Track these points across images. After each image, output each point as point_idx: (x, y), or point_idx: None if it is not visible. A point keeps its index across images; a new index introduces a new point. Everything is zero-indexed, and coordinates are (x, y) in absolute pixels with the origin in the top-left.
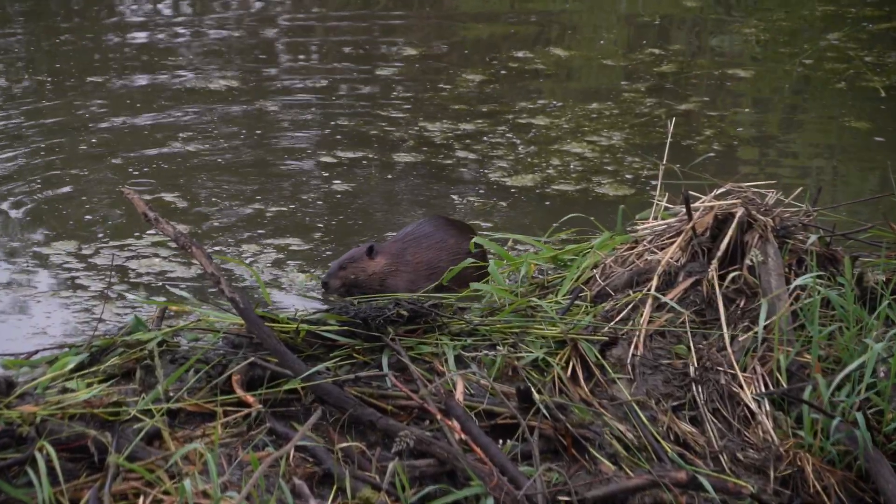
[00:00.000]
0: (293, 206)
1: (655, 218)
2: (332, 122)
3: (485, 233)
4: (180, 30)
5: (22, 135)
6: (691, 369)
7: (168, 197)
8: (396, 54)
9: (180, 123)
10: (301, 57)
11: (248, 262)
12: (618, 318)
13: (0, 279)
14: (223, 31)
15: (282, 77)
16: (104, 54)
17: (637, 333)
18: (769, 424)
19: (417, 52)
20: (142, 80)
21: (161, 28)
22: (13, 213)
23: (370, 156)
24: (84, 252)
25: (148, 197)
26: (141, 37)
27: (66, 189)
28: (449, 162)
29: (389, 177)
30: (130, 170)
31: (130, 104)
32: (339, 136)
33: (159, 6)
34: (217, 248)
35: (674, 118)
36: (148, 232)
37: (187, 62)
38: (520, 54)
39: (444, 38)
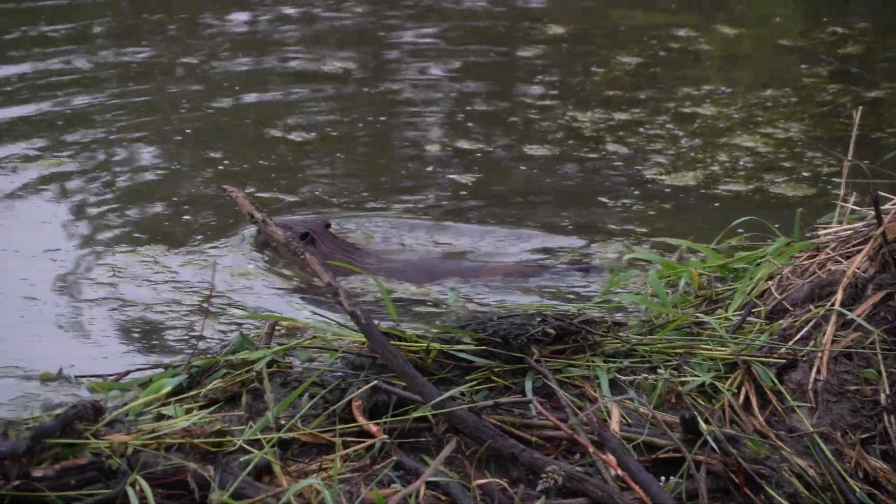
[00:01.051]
0: (419, 205)
1: (839, 222)
2: (467, 108)
3: (644, 239)
4: (288, 6)
5: (106, 123)
6: (882, 397)
7: (272, 194)
8: (541, 33)
9: (287, 110)
10: (429, 34)
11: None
12: (797, 338)
13: (83, 290)
14: (337, 5)
15: (406, 58)
16: (200, 32)
17: (819, 355)
18: None
19: (565, 31)
20: (243, 61)
21: (266, 4)
22: (96, 214)
23: (506, 147)
24: (180, 258)
25: (250, 191)
26: (243, 14)
27: (156, 186)
28: (595, 156)
29: (526, 170)
30: (228, 162)
31: (229, 88)
32: (471, 125)
33: None
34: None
35: (860, 107)
36: (253, 234)
37: (297, 41)
38: (682, 33)
39: (596, 15)
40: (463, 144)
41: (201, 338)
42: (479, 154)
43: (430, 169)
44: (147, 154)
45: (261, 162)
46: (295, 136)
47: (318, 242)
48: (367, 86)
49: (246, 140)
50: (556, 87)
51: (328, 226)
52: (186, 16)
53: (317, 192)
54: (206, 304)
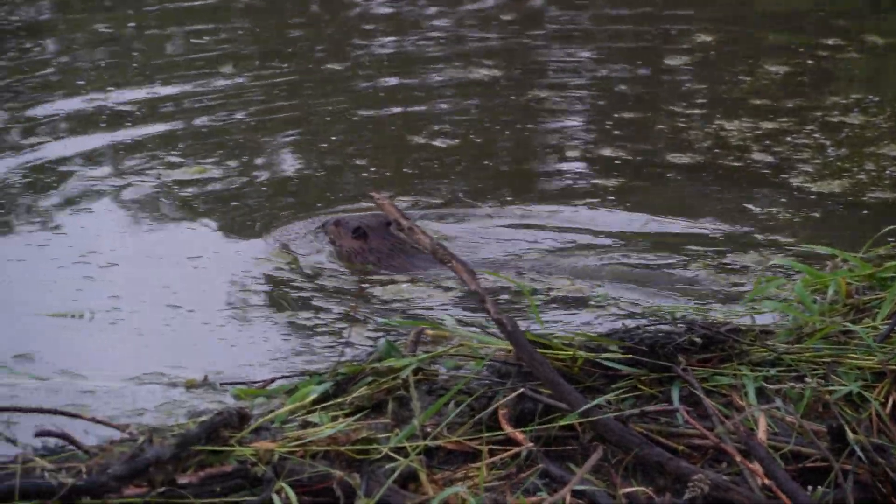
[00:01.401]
0: (570, 211)
1: None
2: (614, 115)
3: (790, 247)
4: (431, 10)
5: (248, 115)
6: None
7: (413, 198)
8: (688, 41)
9: (432, 116)
10: (575, 41)
11: (515, 277)
12: None
13: (227, 297)
14: (481, 12)
15: (551, 65)
16: (344, 34)
17: None
18: None
19: (712, 39)
20: (387, 47)
21: (409, 5)
22: (238, 220)
23: (651, 154)
24: (324, 264)
25: (392, 195)
26: (386, 12)
27: (299, 192)
28: (740, 164)
29: (671, 177)
30: (374, 169)
31: (374, 93)
32: (617, 132)
33: None
34: (500, 266)
35: None
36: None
37: (441, 47)
38: (830, 41)
39: (742, 23)
40: (607, 151)
41: (348, 344)
42: (622, 161)
43: (572, 175)
44: (290, 158)
45: (406, 170)
46: (439, 143)
47: (371, 237)
48: (510, 93)
49: (389, 144)
50: (703, 96)
51: (389, 224)
52: (329, 16)
53: (459, 195)
54: (351, 312)
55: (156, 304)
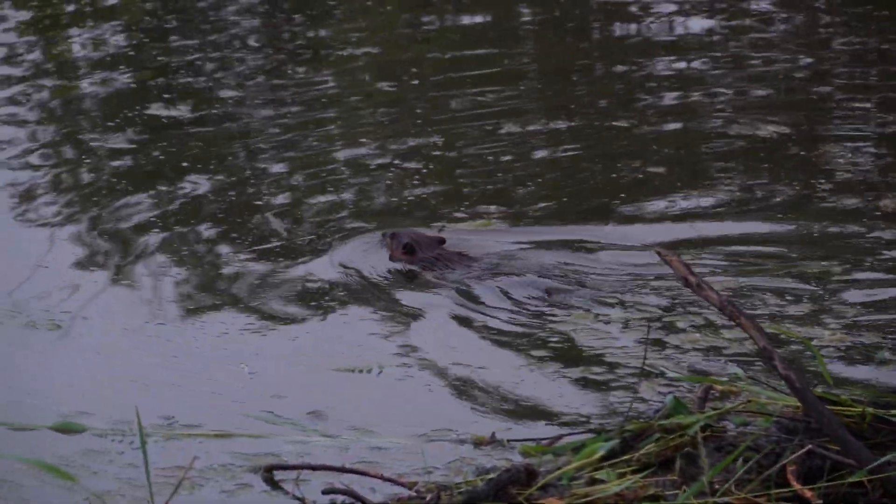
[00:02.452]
0: (848, 267)
1: None
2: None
3: None
4: (714, 61)
5: (535, 192)
6: None
7: (699, 258)
8: None
9: (711, 174)
10: (861, 93)
11: (806, 336)
12: None
13: (518, 353)
14: (765, 81)
15: (837, 118)
16: (625, 84)
17: None
18: None
19: None
20: (670, 118)
21: (693, 61)
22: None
23: None
24: (622, 317)
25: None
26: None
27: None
28: None
29: None
30: (664, 235)
31: (657, 149)
32: None
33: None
34: (763, 316)
35: None
36: (685, 295)
37: (724, 104)
38: None
39: None
40: (887, 204)
41: (639, 398)
42: None
43: (864, 234)
44: (565, 206)
45: (698, 218)
46: (723, 195)
47: (418, 251)
48: (801, 148)
49: (667, 201)
50: None
51: (442, 242)
52: (608, 60)
53: (753, 258)
54: (643, 367)
55: (443, 360)
